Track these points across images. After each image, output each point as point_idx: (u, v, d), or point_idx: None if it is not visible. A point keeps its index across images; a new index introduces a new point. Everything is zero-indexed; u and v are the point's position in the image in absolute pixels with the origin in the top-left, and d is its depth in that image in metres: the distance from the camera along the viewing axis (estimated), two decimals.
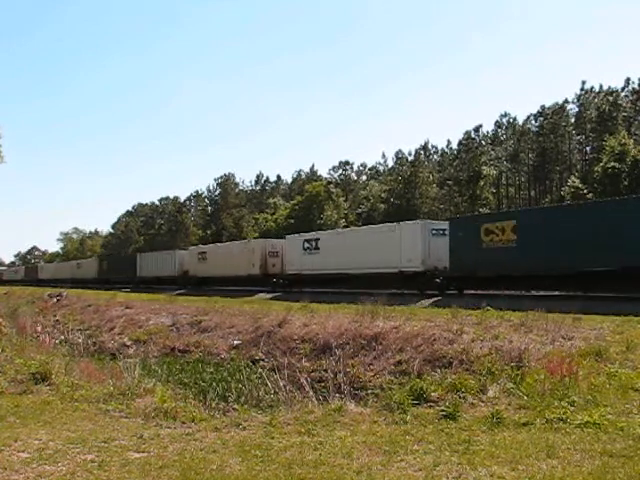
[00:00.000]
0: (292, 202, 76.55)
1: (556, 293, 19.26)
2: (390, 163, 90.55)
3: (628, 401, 7.01)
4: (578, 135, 73.73)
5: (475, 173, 66.74)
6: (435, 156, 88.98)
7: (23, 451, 5.75)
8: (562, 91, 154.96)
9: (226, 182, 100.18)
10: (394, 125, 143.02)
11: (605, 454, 5.25)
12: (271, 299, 26.69)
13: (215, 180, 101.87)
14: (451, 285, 22.10)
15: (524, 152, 76.82)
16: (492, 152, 76.19)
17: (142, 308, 25.84)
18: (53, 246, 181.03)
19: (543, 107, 74.67)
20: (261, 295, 29.18)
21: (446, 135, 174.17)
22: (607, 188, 46.54)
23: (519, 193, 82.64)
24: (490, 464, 5.10)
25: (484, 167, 68.00)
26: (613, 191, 43.24)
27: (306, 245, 29.61)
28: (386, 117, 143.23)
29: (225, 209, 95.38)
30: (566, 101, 73.89)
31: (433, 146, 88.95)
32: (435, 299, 20.33)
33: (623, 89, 68.43)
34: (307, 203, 71.44)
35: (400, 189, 74.99)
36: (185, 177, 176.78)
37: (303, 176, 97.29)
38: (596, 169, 52.27)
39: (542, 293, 19.81)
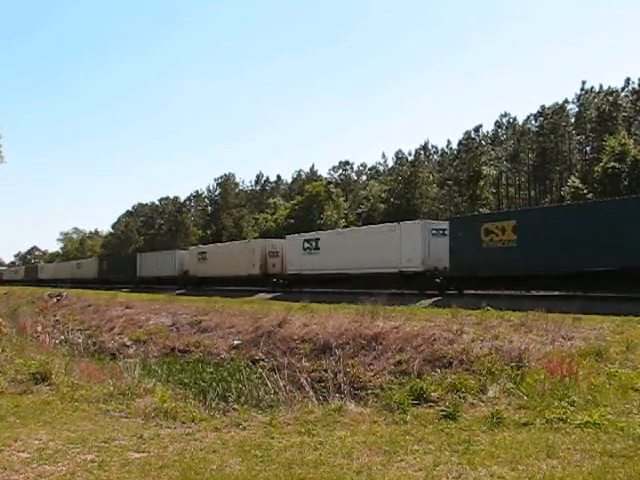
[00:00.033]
0: (292, 202, 76.55)
1: (556, 293, 19.24)
2: (390, 163, 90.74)
3: (628, 401, 7.01)
4: (578, 135, 73.73)
5: (475, 173, 66.75)
6: (435, 156, 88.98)
7: (23, 451, 5.75)
8: (562, 91, 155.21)
9: (226, 182, 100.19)
10: (394, 125, 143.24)
11: (605, 454, 5.25)
12: (271, 299, 26.65)
13: (215, 180, 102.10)
14: (451, 285, 22.07)
15: (524, 152, 76.82)
16: (492, 152, 76.20)
17: (142, 308, 25.84)
18: (53, 246, 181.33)
19: (543, 107, 74.76)
20: (261, 295, 29.15)
21: (446, 135, 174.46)
22: (607, 188, 46.54)
23: (519, 193, 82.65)
24: (490, 464, 5.10)
25: (484, 167, 68.01)
26: (613, 191, 43.24)
27: (306, 245, 29.55)
28: (386, 117, 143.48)
29: (225, 209, 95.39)
30: (566, 101, 74.01)
31: (433, 146, 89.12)
32: (435, 299, 20.33)
33: (623, 89, 68.51)
34: (307, 203, 71.45)
35: (400, 189, 75.00)
36: (185, 177, 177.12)
37: (303, 176, 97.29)
38: (596, 169, 52.28)
39: (542, 293, 19.78)
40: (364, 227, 31.59)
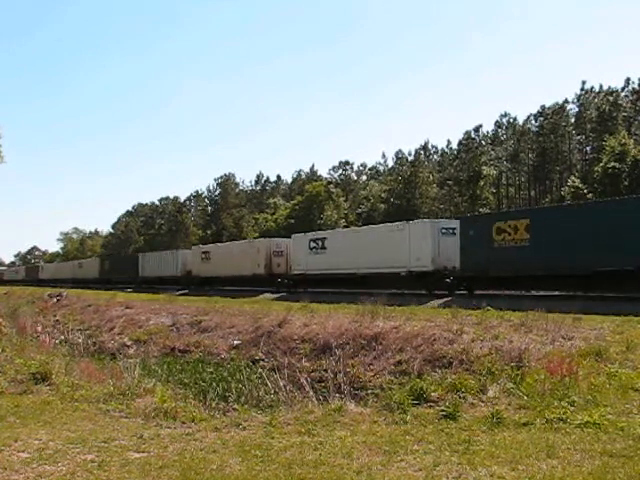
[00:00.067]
0: (292, 202, 76.56)
1: (556, 293, 19.22)
2: (390, 163, 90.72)
3: (628, 401, 7.01)
4: (578, 135, 73.71)
5: (475, 173, 66.75)
6: (435, 156, 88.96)
7: (23, 451, 5.75)
8: (562, 91, 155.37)
9: (226, 182, 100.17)
10: (394, 125, 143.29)
11: (605, 454, 5.25)
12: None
13: (215, 180, 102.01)
14: (461, 285, 21.76)
15: (524, 152, 76.80)
16: (492, 152, 76.17)
17: (142, 308, 25.84)
18: (53, 246, 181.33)
19: (543, 107, 74.71)
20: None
21: (446, 135, 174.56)
22: (607, 188, 46.52)
23: (519, 193, 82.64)
24: (490, 464, 5.10)
25: (484, 167, 68.01)
26: (613, 191, 43.21)
27: (312, 245, 29.11)
28: (386, 117, 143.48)
29: (225, 209, 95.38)
30: (566, 101, 73.96)
31: (433, 146, 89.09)
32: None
33: (623, 89, 68.50)
34: (307, 203, 71.46)
35: (400, 189, 74.99)
36: (185, 177, 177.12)
37: (303, 176, 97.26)
38: (596, 169, 52.27)
39: (542, 293, 19.77)
40: (372, 226, 30.87)
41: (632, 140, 52.81)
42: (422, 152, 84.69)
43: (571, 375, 7.95)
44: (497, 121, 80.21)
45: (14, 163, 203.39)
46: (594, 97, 70.98)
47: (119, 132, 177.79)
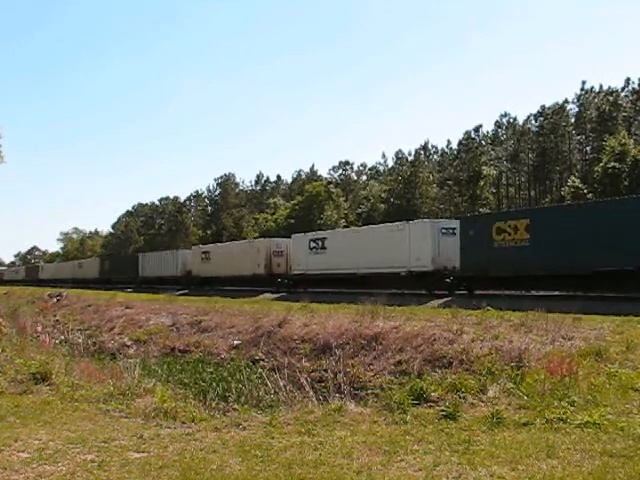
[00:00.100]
0: (292, 202, 76.57)
1: (556, 293, 19.21)
2: (390, 163, 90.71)
3: (628, 401, 7.01)
4: (578, 135, 73.71)
5: (475, 173, 66.75)
6: (435, 156, 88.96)
7: (23, 451, 5.75)
8: (562, 91, 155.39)
9: (226, 182, 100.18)
10: (394, 125, 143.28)
11: (605, 454, 5.25)
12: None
13: (215, 180, 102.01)
14: (461, 285, 21.72)
15: (524, 152, 76.80)
16: (492, 152, 76.17)
17: (142, 308, 25.84)
18: (53, 246, 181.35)
19: (543, 107, 74.71)
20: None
21: (446, 135, 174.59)
22: (607, 188, 46.52)
23: (519, 193, 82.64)
24: (490, 464, 5.10)
25: (484, 167, 68.01)
26: (613, 191, 43.21)
27: (312, 245, 29.07)
28: (386, 117, 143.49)
29: (225, 209, 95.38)
30: (566, 101, 73.96)
31: (433, 146, 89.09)
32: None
33: (623, 89, 68.50)
34: (307, 203, 71.46)
35: (400, 189, 75.00)
36: (185, 177, 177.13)
37: (303, 176, 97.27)
38: (596, 169, 52.27)
39: (542, 293, 19.75)
40: (372, 226, 30.73)
41: (632, 140, 52.81)
42: (422, 152, 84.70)
43: (571, 375, 7.95)
44: (497, 121, 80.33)
45: (14, 163, 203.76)
46: (594, 97, 70.98)
47: (119, 132, 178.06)
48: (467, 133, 77.37)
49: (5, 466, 5.25)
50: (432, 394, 8.01)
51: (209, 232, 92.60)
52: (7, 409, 7.60)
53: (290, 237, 33.02)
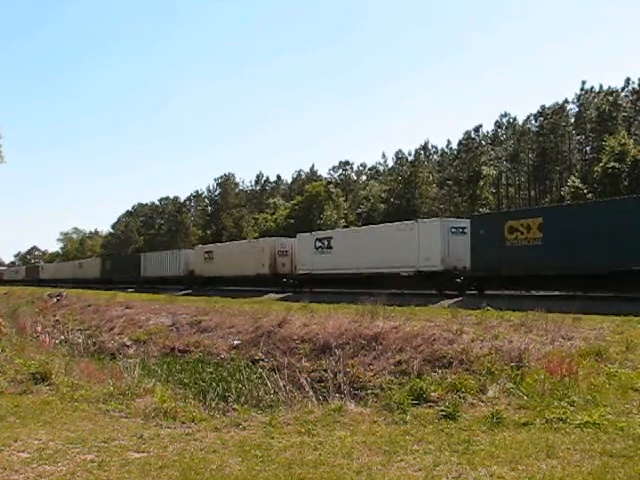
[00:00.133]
0: (292, 202, 76.57)
1: (556, 293, 19.17)
2: (390, 163, 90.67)
3: (628, 401, 7.01)
4: (578, 135, 73.71)
5: (475, 173, 66.75)
6: (435, 156, 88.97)
7: (23, 451, 5.75)
8: (562, 91, 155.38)
9: (226, 182, 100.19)
10: (394, 125, 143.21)
11: (605, 454, 5.25)
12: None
13: (215, 180, 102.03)
14: (472, 285, 21.46)
15: (524, 152, 76.80)
16: (492, 152, 76.16)
17: (142, 308, 25.84)
18: (53, 246, 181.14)
19: (543, 107, 74.70)
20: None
21: (446, 135, 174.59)
22: (607, 188, 46.53)
23: (519, 193, 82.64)
24: (490, 464, 5.10)
25: (484, 167, 68.01)
26: (613, 191, 43.23)
27: (318, 244, 28.70)
28: (386, 117, 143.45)
29: (225, 209, 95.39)
30: (566, 101, 73.95)
31: (433, 146, 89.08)
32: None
33: (623, 89, 68.49)
34: (307, 203, 71.47)
35: (400, 189, 75.00)
36: (185, 177, 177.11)
37: (303, 176, 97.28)
38: (596, 169, 52.28)
39: (542, 293, 19.71)
40: (380, 225, 30.26)
41: (632, 140, 52.81)
42: (422, 152, 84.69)
43: (571, 375, 7.95)
44: (497, 121, 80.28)
45: (14, 163, 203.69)
46: (594, 97, 70.98)
47: (119, 132, 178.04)
48: (467, 133, 77.48)
49: (5, 466, 5.24)
50: (432, 394, 8.01)
51: (209, 232, 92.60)
52: (7, 409, 7.60)
53: (292, 237, 32.76)
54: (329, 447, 5.84)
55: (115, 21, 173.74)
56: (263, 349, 16.00)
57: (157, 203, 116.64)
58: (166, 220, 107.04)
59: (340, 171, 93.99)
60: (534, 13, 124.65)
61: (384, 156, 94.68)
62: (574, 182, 54.20)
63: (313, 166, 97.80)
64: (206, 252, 39.49)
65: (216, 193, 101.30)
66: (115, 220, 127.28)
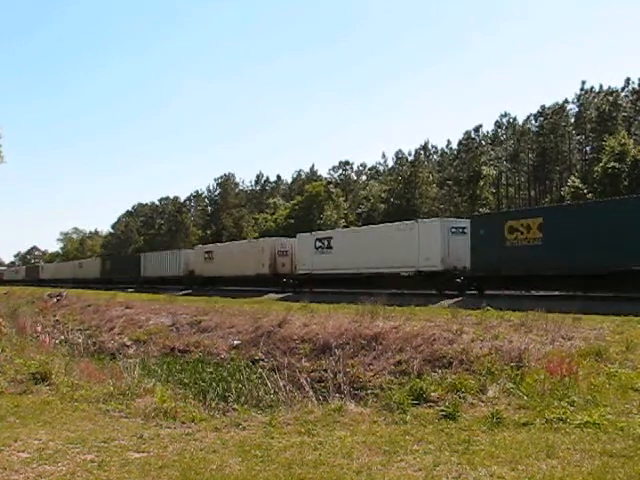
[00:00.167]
0: (292, 202, 76.58)
1: (556, 293, 19.16)
2: (390, 163, 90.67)
3: (628, 401, 7.01)
4: (578, 135, 73.71)
5: (475, 173, 66.75)
6: (435, 156, 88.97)
7: (23, 451, 5.75)
8: (562, 91, 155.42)
9: (226, 182, 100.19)
10: (394, 125, 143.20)
11: (605, 454, 5.25)
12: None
13: (215, 180, 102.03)
14: (472, 285, 21.45)
15: (524, 152, 76.80)
16: (492, 152, 76.16)
17: (142, 308, 25.83)
18: (53, 246, 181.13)
19: (543, 107, 74.71)
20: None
21: (446, 135, 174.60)
22: (607, 188, 46.53)
23: (519, 193, 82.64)
24: (490, 464, 5.10)
25: (484, 167, 68.01)
26: (613, 191, 43.24)
27: (318, 244, 28.67)
28: (386, 117, 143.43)
29: (225, 209, 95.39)
30: (566, 101, 73.95)
31: (433, 146, 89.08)
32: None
33: (623, 89, 68.49)
34: (307, 203, 71.48)
35: (400, 189, 75.01)
36: (185, 177, 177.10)
37: (303, 176, 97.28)
38: (596, 169, 52.28)
39: (542, 293, 19.71)
40: (380, 225, 30.18)
41: (632, 140, 52.82)
42: (422, 152, 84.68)
43: (571, 375, 7.95)
44: (497, 121, 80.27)
45: (14, 163, 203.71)
46: (594, 97, 70.98)
47: (119, 132, 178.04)
48: (467, 133, 77.46)
49: (5, 466, 5.24)
50: (432, 394, 8.01)
51: (209, 232, 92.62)
52: (7, 409, 7.60)
53: (292, 237, 32.72)
54: (329, 447, 5.84)
55: (115, 21, 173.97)
56: (263, 349, 16.00)
57: (157, 203, 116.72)
58: (166, 220, 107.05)
59: (340, 171, 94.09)
60: (534, 13, 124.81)
61: (384, 156, 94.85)
62: (574, 182, 54.21)
63: (313, 166, 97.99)
64: (206, 252, 39.42)
65: (216, 193, 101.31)
66: (115, 220, 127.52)
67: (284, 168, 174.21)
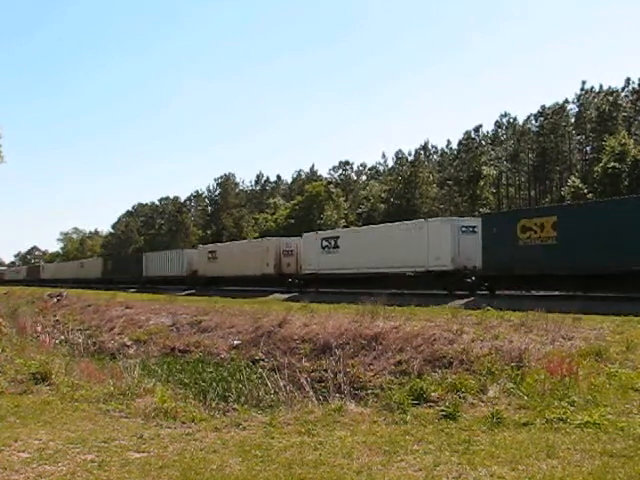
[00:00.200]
0: (292, 202, 76.60)
1: (556, 293, 19.11)
2: (390, 163, 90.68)
3: (628, 401, 7.00)
4: (578, 135, 73.70)
5: (475, 173, 66.75)
6: (435, 156, 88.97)
7: (23, 451, 5.75)
8: (562, 91, 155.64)
9: (226, 182, 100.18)
10: (394, 125, 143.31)
11: (605, 454, 5.25)
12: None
13: (215, 180, 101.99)
14: (482, 285, 21.22)
15: (524, 152, 76.79)
16: (492, 152, 76.15)
17: (142, 308, 25.83)
18: (53, 246, 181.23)
19: (543, 107, 74.70)
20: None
21: (446, 135, 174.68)
22: (607, 188, 46.54)
23: (519, 193, 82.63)
24: (490, 464, 5.10)
25: (484, 167, 67.99)
26: (613, 191, 43.24)
27: (324, 243, 28.41)
28: (386, 117, 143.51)
29: (225, 209, 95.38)
30: (566, 101, 73.95)
31: (433, 146, 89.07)
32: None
33: (623, 89, 68.47)
34: (307, 203, 71.49)
35: (400, 189, 75.00)
36: (185, 177, 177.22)
37: (303, 176, 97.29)
38: (596, 169, 52.29)
39: (542, 293, 19.66)
40: (389, 224, 29.85)
41: (632, 140, 52.82)
42: (422, 152, 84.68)
43: (571, 375, 7.95)
44: (497, 121, 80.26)
45: (14, 163, 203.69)
46: (594, 97, 70.97)
47: (119, 132, 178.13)
48: (467, 133, 77.42)
49: (5, 466, 5.24)
50: (432, 394, 8.01)
51: (209, 232, 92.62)
52: (7, 409, 7.60)
53: (295, 236, 32.61)
54: (329, 447, 5.84)
55: (115, 21, 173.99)
56: (263, 349, 16.00)
57: (157, 203, 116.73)
58: (166, 220, 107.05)
59: (340, 171, 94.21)
60: (534, 13, 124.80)
61: (384, 156, 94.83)
62: (574, 182, 54.22)
63: (313, 166, 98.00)
64: (210, 252, 39.12)
65: (216, 193, 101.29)
66: (115, 220, 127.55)
67: (284, 168, 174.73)
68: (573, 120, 73.65)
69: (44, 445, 5.92)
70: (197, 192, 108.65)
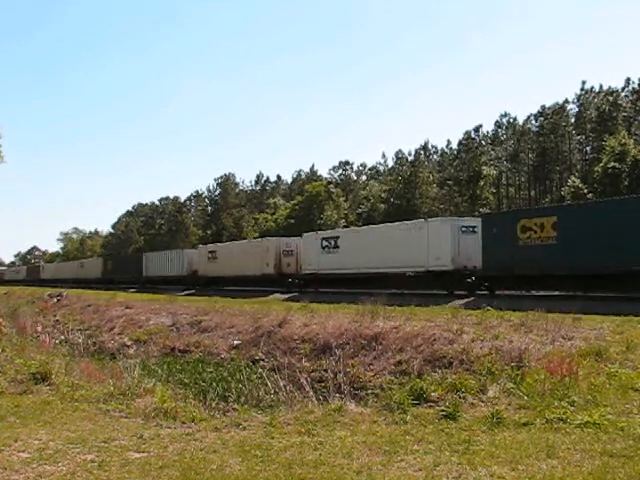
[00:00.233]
0: (292, 202, 76.61)
1: (556, 293, 19.11)
2: (390, 163, 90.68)
3: (628, 401, 7.00)
4: (578, 135, 73.70)
5: (475, 173, 66.76)
6: (435, 156, 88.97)
7: (23, 451, 5.75)
8: (562, 91, 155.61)
9: (226, 182, 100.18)
10: (394, 125, 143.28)
11: (605, 454, 5.25)
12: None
13: (215, 180, 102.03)
14: (482, 285, 21.23)
15: (524, 152, 76.80)
16: (492, 152, 76.15)
17: (142, 308, 25.83)
18: (53, 246, 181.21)
19: (543, 107, 74.71)
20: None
21: (446, 135, 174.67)
22: (607, 188, 46.55)
23: (519, 193, 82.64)
24: (490, 464, 5.10)
25: (484, 167, 68.01)
26: (613, 191, 43.24)
27: (324, 243, 28.41)
28: (386, 117, 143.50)
29: (225, 209, 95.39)
30: (566, 101, 73.96)
31: (433, 146, 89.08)
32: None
33: (623, 89, 68.48)
34: (307, 203, 71.49)
35: (400, 189, 75.00)
36: (185, 177, 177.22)
37: (303, 176, 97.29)
38: (596, 169, 52.30)
39: (542, 293, 19.65)
40: (389, 224, 29.83)
41: (632, 140, 52.83)
42: (422, 152, 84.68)
43: (571, 375, 7.95)
44: (497, 121, 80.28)
45: (14, 163, 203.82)
46: (594, 97, 70.97)
47: (119, 132, 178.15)
48: (467, 133, 77.43)
49: (5, 466, 5.24)
50: (432, 394, 8.01)
51: (209, 232, 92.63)
52: (7, 409, 7.60)
53: (295, 236, 32.57)
54: (329, 447, 5.84)
55: (115, 21, 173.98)
56: (263, 349, 16.00)
57: (157, 203, 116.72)
58: (166, 220, 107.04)
59: (340, 171, 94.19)
60: (534, 13, 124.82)
61: (384, 156, 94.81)
62: (574, 182, 54.22)
63: (313, 166, 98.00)
64: (210, 252, 39.07)
65: (216, 193, 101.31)
66: (115, 220, 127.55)
67: (284, 168, 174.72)
68: (573, 120, 73.66)
69: (44, 445, 5.92)
70: (197, 192, 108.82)
